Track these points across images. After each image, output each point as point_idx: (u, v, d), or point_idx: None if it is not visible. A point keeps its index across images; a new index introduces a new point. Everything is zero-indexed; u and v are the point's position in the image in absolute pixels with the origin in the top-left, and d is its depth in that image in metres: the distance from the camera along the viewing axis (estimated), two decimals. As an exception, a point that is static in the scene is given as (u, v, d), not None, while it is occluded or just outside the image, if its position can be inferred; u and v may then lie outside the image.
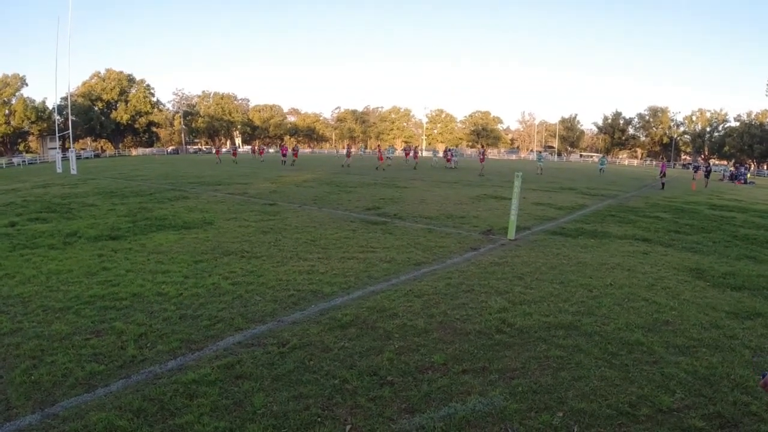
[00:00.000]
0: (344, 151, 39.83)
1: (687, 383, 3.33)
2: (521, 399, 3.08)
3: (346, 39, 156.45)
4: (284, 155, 36.20)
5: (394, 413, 2.90)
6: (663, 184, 24.01)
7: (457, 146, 76.08)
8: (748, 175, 40.78)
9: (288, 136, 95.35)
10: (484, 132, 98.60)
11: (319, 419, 2.82)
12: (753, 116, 73.77)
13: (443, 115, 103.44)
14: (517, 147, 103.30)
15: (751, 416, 2.95)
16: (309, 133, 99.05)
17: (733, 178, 37.27)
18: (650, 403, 3.05)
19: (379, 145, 42.63)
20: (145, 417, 2.81)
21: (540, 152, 47.93)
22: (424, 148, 60.39)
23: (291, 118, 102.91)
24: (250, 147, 68.07)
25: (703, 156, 72.03)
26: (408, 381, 3.28)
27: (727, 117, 78.87)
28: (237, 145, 73.65)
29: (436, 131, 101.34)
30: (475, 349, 3.78)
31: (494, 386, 3.23)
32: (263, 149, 54.64)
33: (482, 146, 40.15)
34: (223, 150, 52.64)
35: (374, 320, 4.34)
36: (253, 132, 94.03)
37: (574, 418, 2.88)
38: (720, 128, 79.20)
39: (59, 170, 27.47)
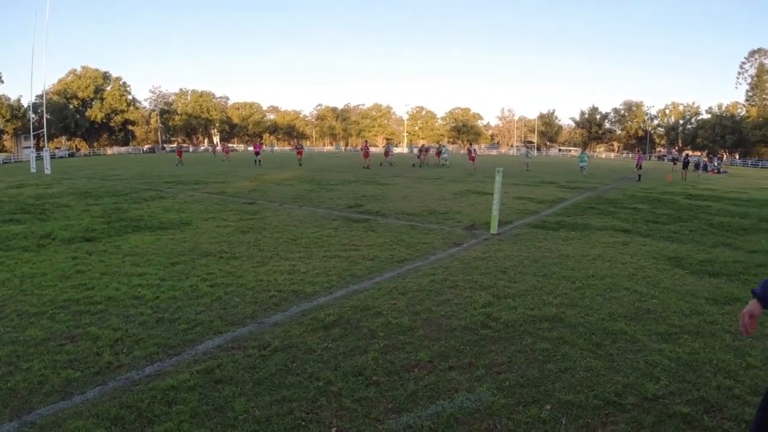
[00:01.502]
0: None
1: (671, 370, 3.36)
2: (509, 393, 3.05)
3: (326, 37, 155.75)
4: (258, 153, 33.29)
5: (381, 414, 2.84)
6: (639, 176, 24.48)
7: (438, 142, 76.24)
8: (716, 164, 41.73)
9: (267, 134, 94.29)
10: (464, 128, 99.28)
11: (303, 423, 2.73)
12: (724, 108, 75.87)
13: (423, 112, 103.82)
14: (497, 142, 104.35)
15: (734, 399, 2.98)
16: (289, 130, 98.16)
17: (698, 167, 35.23)
18: (636, 392, 3.06)
19: (366, 141, 40.01)
20: (123, 425, 2.69)
21: (527, 148, 47.82)
22: (406, 144, 60.55)
23: (271, 116, 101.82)
24: (220, 146, 61.25)
25: (677, 148, 73.79)
26: (394, 380, 3.22)
27: (699, 109, 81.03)
28: (182, 143, 63.74)
29: (417, 128, 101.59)
30: (461, 345, 3.75)
31: (481, 382, 3.19)
32: (228, 148, 49.33)
33: (470, 143, 38.48)
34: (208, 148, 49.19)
35: (358, 319, 4.27)
36: (231, 130, 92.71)
37: (562, 410, 2.86)
38: (693, 120, 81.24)
39: (33, 170, 26.68)
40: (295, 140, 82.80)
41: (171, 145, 76.62)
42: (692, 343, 3.79)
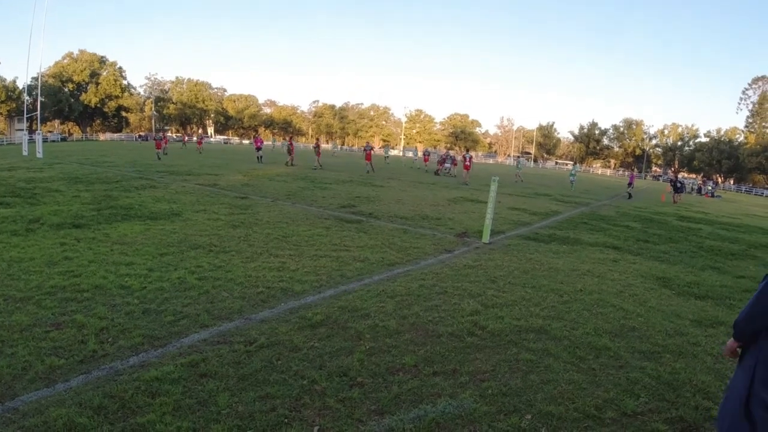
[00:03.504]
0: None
1: (651, 388, 3.41)
2: (491, 401, 3.07)
3: (328, 33, 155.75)
4: (259, 149, 29.56)
5: (364, 415, 2.85)
6: (630, 194, 24.44)
7: (435, 147, 76.22)
8: (710, 188, 42.05)
9: (263, 128, 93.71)
10: (462, 135, 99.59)
11: (286, 420, 2.74)
12: (722, 133, 76.94)
13: (422, 116, 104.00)
14: (495, 151, 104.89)
15: (712, 421, 3.02)
16: (285, 126, 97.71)
17: (677, 189, 27.55)
18: (615, 407, 3.10)
19: (368, 142, 35.16)
20: (106, 415, 2.68)
21: (518, 157, 47.31)
22: (402, 147, 60.03)
23: (267, 110, 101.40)
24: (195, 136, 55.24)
25: (672, 169, 74.60)
26: (378, 382, 3.24)
27: (698, 132, 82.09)
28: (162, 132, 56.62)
29: (415, 131, 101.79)
30: (446, 352, 3.77)
31: (464, 388, 3.22)
32: (202, 139, 44.97)
33: (467, 150, 35.79)
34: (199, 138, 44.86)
35: (345, 320, 4.28)
36: (226, 122, 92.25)
37: (542, 421, 2.89)
38: (691, 143, 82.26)
39: (25, 153, 26.39)
40: (288, 135, 79.96)
41: (141, 134, 72.81)
42: (674, 363, 3.84)
